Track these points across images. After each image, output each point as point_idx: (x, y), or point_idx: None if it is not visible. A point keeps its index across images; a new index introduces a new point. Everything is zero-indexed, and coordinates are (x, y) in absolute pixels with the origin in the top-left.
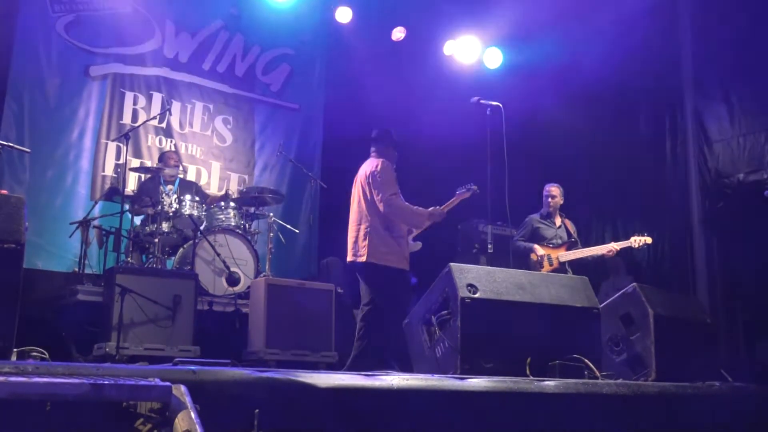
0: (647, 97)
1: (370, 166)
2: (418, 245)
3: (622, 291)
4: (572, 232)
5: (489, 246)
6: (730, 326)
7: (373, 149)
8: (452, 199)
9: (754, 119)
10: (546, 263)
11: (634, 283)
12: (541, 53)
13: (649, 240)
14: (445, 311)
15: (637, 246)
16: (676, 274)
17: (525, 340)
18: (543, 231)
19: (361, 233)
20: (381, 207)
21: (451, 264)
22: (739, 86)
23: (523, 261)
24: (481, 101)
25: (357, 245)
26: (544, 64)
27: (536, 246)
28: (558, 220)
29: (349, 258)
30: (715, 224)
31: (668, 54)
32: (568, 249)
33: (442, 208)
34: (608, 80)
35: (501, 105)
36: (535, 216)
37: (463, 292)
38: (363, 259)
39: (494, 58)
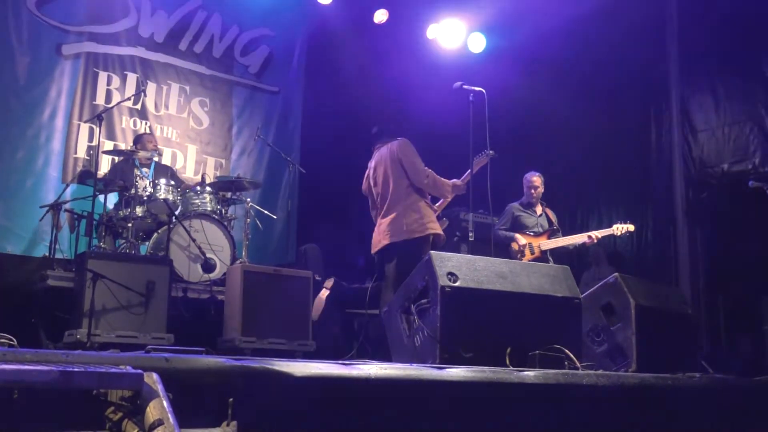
0: (633, 84)
1: (393, 147)
2: (445, 222)
3: (604, 281)
4: (553, 221)
5: (470, 234)
6: (711, 318)
7: (385, 136)
8: (469, 171)
9: (739, 109)
10: (527, 252)
11: (616, 273)
12: (525, 39)
13: (631, 228)
14: (425, 300)
15: (619, 233)
16: (659, 264)
17: (505, 329)
18: (524, 219)
19: (395, 216)
20: (422, 180)
21: (432, 252)
22: (725, 76)
23: (505, 250)
24: (464, 86)
25: (394, 227)
26: (529, 50)
27: (518, 235)
28: (539, 209)
29: (388, 240)
30: (699, 215)
31: (655, 42)
32: (550, 237)
33: (461, 180)
34: (594, 67)
35: (484, 90)
36: (516, 204)
37: (443, 281)
38: (404, 237)
39: (478, 43)
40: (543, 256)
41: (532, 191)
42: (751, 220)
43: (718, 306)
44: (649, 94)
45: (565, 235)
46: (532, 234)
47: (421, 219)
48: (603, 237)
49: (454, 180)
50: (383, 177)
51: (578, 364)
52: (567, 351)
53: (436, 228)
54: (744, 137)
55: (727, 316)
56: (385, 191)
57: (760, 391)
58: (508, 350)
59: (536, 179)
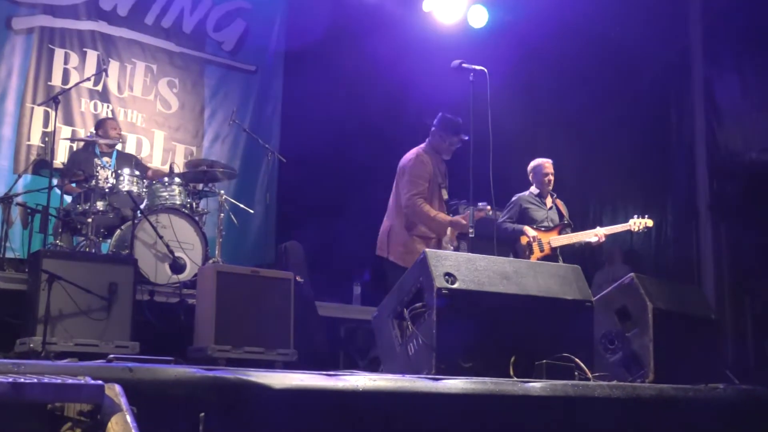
0: (651, 63)
1: (407, 156)
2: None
3: (619, 282)
4: (564, 214)
5: (470, 230)
6: (737, 322)
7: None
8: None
9: None
10: (536, 248)
11: (632, 274)
12: (531, 12)
13: (650, 223)
14: (419, 304)
15: (636, 229)
16: (680, 264)
17: (509, 336)
18: (533, 212)
19: (386, 228)
20: (405, 205)
21: (427, 250)
22: (754, 53)
23: (510, 245)
24: (464, 65)
25: (381, 240)
26: (535, 24)
27: (527, 228)
28: (549, 201)
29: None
30: (724, 209)
31: (675, 14)
32: (561, 233)
33: (463, 219)
34: (607, 43)
35: (485, 70)
36: (525, 195)
37: (439, 282)
38: (385, 255)
39: (479, 17)
40: (553, 254)
41: (545, 178)
42: None
43: (745, 310)
44: (669, 73)
45: (576, 231)
46: (541, 229)
47: (402, 248)
48: (618, 233)
49: (457, 217)
50: (395, 180)
51: (590, 375)
52: (577, 360)
53: (402, 260)
54: None
55: (755, 320)
56: (391, 196)
57: None
58: (512, 359)
59: (549, 165)
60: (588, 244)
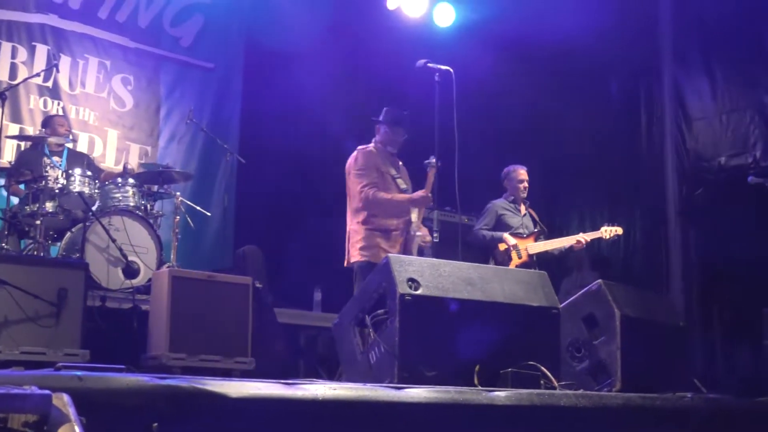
0: (620, 66)
1: (352, 155)
2: (426, 237)
3: (586, 289)
4: (537, 221)
5: (434, 235)
6: (706, 330)
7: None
8: (428, 180)
9: (739, 95)
10: (515, 255)
11: (600, 280)
12: (499, 12)
13: (620, 231)
14: (382, 310)
15: (607, 237)
16: (648, 270)
17: (473, 344)
18: (508, 219)
19: (346, 236)
20: (359, 200)
21: (390, 255)
22: (723, 56)
23: (486, 253)
24: (429, 64)
25: (346, 250)
26: (503, 23)
27: (506, 235)
28: (523, 208)
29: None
30: (693, 214)
31: (644, 17)
32: (536, 240)
33: (424, 191)
34: (576, 45)
35: (451, 70)
36: (500, 202)
37: (402, 288)
38: (350, 261)
39: (445, 15)
40: (530, 261)
41: (520, 186)
42: (750, 220)
43: (713, 317)
44: (638, 75)
45: (547, 238)
46: (517, 236)
47: (362, 243)
48: (590, 240)
49: (416, 193)
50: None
51: (556, 383)
52: (543, 368)
53: (361, 255)
54: (744, 127)
55: (724, 328)
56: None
57: (759, 413)
58: (477, 368)
59: (523, 173)
60: (569, 248)
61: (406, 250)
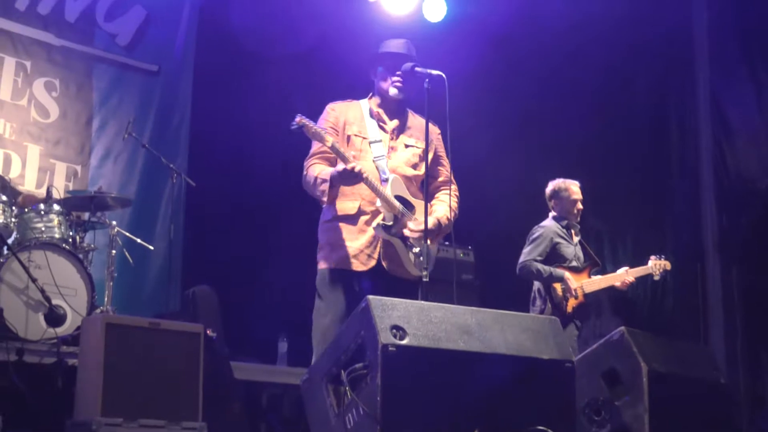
0: (647, 70)
1: None
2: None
3: (606, 338)
4: (589, 251)
5: (424, 273)
6: (753, 386)
7: None
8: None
9: None
10: (571, 296)
11: (623, 327)
12: (501, 5)
13: (668, 265)
14: (360, 364)
15: (657, 273)
16: (682, 314)
17: (471, 405)
18: (563, 249)
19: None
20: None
21: (370, 297)
22: None
23: (532, 290)
24: (417, 69)
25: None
26: (505, 19)
27: (567, 274)
28: (574, 234)
29: None
30: (736, 247)
31: (676, 15)
32: (590, 275)
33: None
34: (590, 43)
35: (444, 75)
36: (552, 225)
37: (385, 337)
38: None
39: (436, 10)
40: (586, 303)
41: (575, 207)
42: None
43: (762, 370)
44: (669, 83)
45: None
46: (571, 270)
47: (325, 243)
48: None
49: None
50: None
51: None
52: None
53: (329, 261)
54: None
55: None
56: None
57: None
58: None
59: (578, 190)
60: (612, 288)
61: (386, 255)
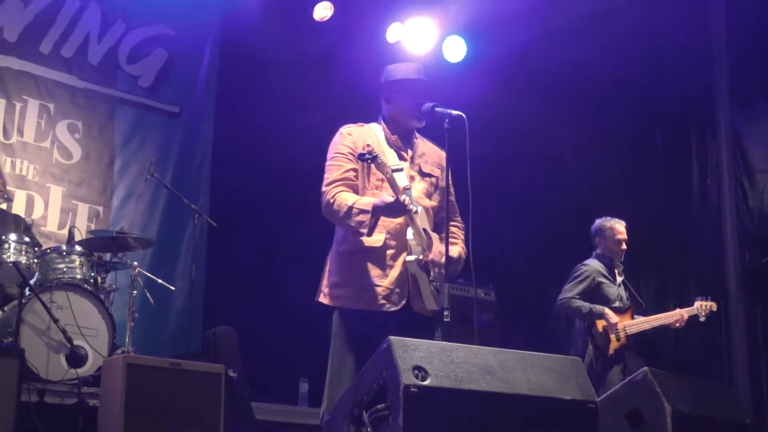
0: (666, 106)
1: None
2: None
3: (629, 378)
4: (633, 292)
5: (445, 313)
6: None
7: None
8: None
9: None
10: (613, 337)
11: (646, 368)
12: (521, 46)
13: (714, 306)
14: (382, 405)
15: (703, 315)
16: (705, 355)
17: None
18: (606, 289)
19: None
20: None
21: (391, 338)
22: None
23: (574, 331)
24: (437, 109)
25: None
26: (526, 60)
27: (608, 311)
28: (617, 274)
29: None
30: (759, 286)
31: (693, 52)
32: (633, 316)
33: (390, 195)
34: (609, 82)
35: (464, 115)
36: (595, 264)
37: (407, 378)
38: (320, 298)
39: (456, 49)
40: (628, 344)
41: (620, 247)
42: None
43: None
44: (688, 118)
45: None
46: (614, 311)
47: (336, 278)
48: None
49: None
50: None
51: None
52: None
53: (356, 302)
54: None
55: None
56: None
57: None
58: None
59: (623, 229)
60: (666, 328)
61: (413, 292)
